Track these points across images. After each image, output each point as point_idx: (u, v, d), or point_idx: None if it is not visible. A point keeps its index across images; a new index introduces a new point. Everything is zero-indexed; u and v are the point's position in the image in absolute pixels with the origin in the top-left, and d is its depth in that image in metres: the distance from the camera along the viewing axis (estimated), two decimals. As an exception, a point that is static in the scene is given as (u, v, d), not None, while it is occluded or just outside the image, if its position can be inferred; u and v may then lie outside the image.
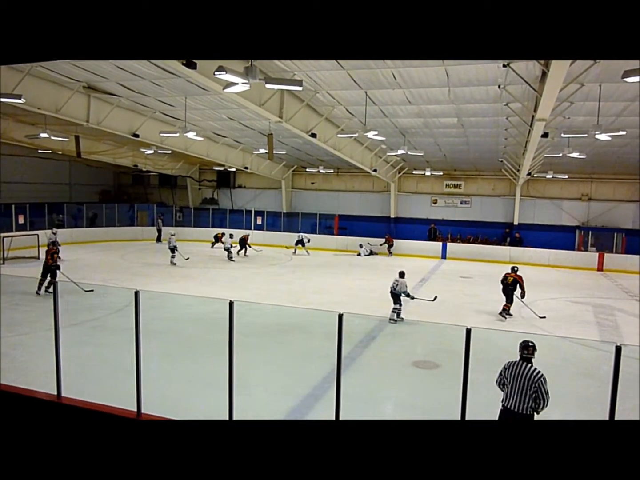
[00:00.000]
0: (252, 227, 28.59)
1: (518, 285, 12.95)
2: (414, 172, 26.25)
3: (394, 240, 25.46)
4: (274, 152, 18.64)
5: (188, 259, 20.70)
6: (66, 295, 5.86)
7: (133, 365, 5.44)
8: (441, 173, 26.00)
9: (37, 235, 20.62)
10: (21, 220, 23.56)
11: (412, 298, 12.17)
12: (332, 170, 28.24)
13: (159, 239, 27.14)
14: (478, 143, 19.64)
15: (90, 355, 9.10)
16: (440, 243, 25.72)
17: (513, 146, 19.13)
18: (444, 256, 25.10)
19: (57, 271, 13.61)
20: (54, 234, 20.22)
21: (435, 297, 12.71)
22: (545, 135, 12.69)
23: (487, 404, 5.76)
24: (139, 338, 4.99)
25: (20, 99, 11.71)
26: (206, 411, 6.56)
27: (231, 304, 4.60)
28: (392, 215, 28.18)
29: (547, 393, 5.01)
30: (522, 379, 5.08)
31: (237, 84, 8.12)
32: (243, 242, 24.03)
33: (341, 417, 4.62)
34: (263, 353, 9.47)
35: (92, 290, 13.33)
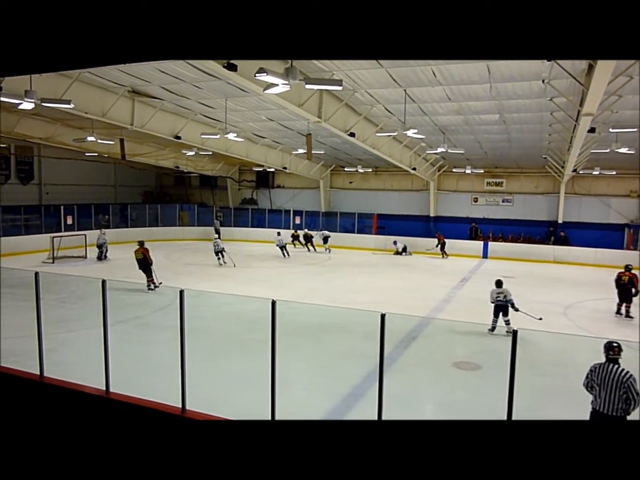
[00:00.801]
0: (291, 227, 28.78)
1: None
2: (453, 170, 25.85)
3: (444, 238, 24.22)
4: (313, 152, 18.71)
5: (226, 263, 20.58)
6: (111, 293, 6.04)
7: (176, 363, 5.55)
8: (482, 171, 25.52)
9: (85, 235, 21.34)
10: (69, 221, 24.46)
11: (517, 310, 10.96)
12: (370, 170, 28.13)
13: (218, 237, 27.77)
14: (521, 139, 19.19)
15: (135, 352, 9.35)
16: (481, 242, 25.24)
17: (557, 142, 18.59)
18: (485, 255, 24.61)
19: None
20: (103, 234, 20.94)
21: (541, 319, 11.50)
22: (592, 130, 12.27)
23: (535, 409, 5.62)
24: (184, 336, 5.09)
25: (69, 104, 12.14)
26: (247, 409, 6.63)
27: (274, 303, 4.64)
28: (432, 214, 27.83)
29: (637, 394, 4.86)
30: (611, 380, 4.95)
31: (277, 85, 8.19)
32: (307, 239, 25.29)
33: (383, 418, 4.59)
34: (303, 352, 9.51)
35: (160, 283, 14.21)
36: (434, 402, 7.94)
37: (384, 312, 4.32)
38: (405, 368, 9.08)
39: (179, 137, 18.86)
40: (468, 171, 24.38)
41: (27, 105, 11.22)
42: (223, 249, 20.05)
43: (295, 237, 25.66)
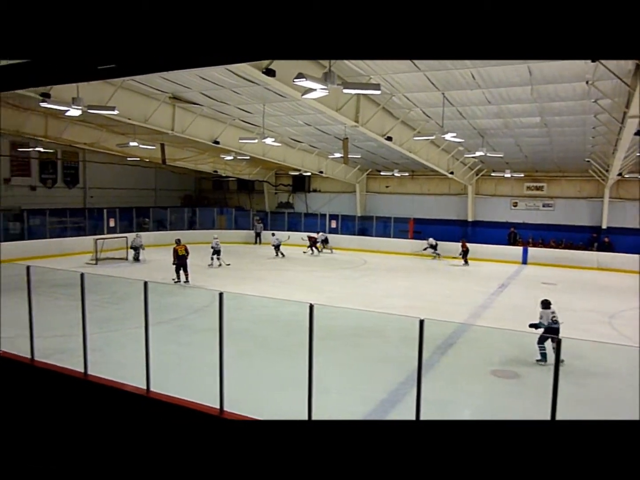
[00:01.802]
0: (327, 231, 28.85)
1: None
2: (492, 174, 25.41)
3: (468, 245, 23.72)
4: (349, 156, 18.72)
5: (229, 264, 20.75)
6: (150, 294, 6.19)
7: (213, 364, 5.64)
8: (522, 175, 24.98)
9: (126, 237, 21.94)
10: (112, 223, 25.19)
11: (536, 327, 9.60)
12: (407, 174, 27.92)
13: (257, 242, 28.13)
14: (563, 143, 18.70)
15: (173, 352, 9.54)
16: (521, 247, 24.68)
17: (602, 145, 18.04)
18: (524, 261, 24.06)
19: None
20: (138, 237, 21.55)
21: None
22: (638, 133, 11.87)
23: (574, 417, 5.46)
24: (223, 338, 5.17)
25: (114, 110, 12.52)
26: (284, 411, 6.68)
27: (311, 307, 4.67)
28: (470, 219, 27.41)
29: None
30: None
31: (315, 89, 8.24)
32: (321, 242, 25.64)
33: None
34: (338, 356, 9.50)
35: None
36: (471, 410, 7.81)
37: (422, 318, 4.28)
38: (442, 375, 8.97)
39: (217, 142, 19.19)
40: (507, 175, 23.90)
41: (74, 112, 11.63)
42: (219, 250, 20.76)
43: (313, 242, 25.76)
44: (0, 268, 8.34)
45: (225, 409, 5.43)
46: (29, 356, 7.16)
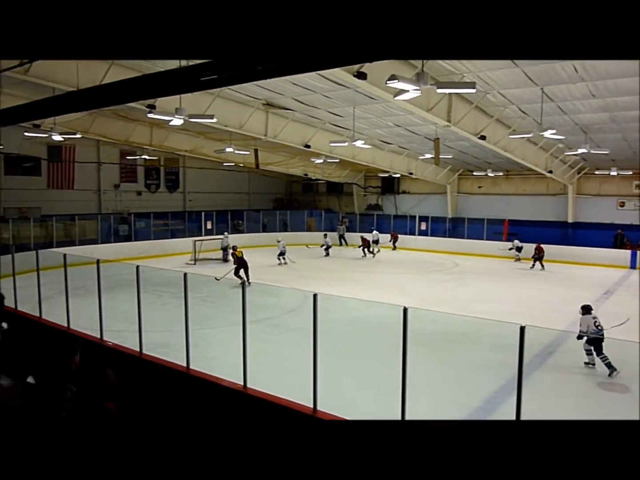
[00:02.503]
0: (416, 233, 28.43)
1: None
2: (596, 172, 23.74)
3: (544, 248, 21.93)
4: (440, 156, 18.35)
5: (294, 262, 21.72)
6: (247, 294, 6.45)
7: (303, 363, 5.75)
8: (630, 172, 23.12)
9: (222, 239, 22.99)
10: (209, 225, 26.53)
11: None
12: (501, 173, 26.82)
13: (342, 243, 28.47)
14: (679, 137, 17.13)
15: (267, 351, 9.85)
16: (629, 251, 22.84)
17: None
18: (633, 266, 22.24)
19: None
20: (226, 237, 22.61)
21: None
22: None
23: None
24: (317, 339, 5.27)
25: (212, 118, 13.19)
26: (375, 414, 6.68)
27: (405, 310, 4.64)
28: (570, 220, 25.80)
29: None
30: None
31: (407, 91, 8.19)
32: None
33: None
34: (429, 361, 9.34)
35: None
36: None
37: (523, 324, 4.11)
38: (541, 384, 8.52)
39: (308, 146, 19.58)
40: (613, 173, 22.21)
41: (177, 121, 12.39)
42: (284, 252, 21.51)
43: (367, 244, 25.35)
44: (99, 268, 9.07)
45: (318, 408, 5.53)
46: (137, 349, 7.71)
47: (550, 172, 21.97)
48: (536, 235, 24.76)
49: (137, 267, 8.05)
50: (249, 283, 16.01)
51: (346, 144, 17.75)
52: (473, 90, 9.43)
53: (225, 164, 25.93)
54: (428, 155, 21.12)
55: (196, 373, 6.80)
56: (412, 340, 5.26)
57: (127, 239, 24.04)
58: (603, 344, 8.59)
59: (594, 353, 8.79)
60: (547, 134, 13.30)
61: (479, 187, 29.02)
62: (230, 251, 22.02)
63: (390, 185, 31.49)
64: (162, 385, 7.11)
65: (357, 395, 7.64)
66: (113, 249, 21.76)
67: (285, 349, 10.02)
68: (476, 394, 7.82)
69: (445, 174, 28.11)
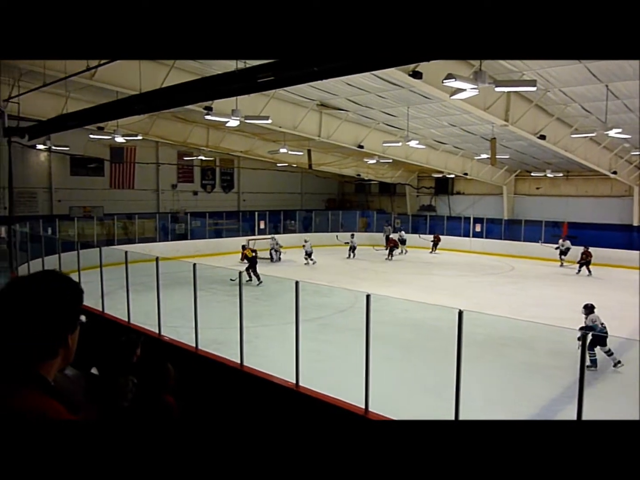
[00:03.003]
0: (471, 235, 27.81)
1: None
2: (665, 173, 22.51)
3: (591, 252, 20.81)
4: (497, 156, 17.88)
5: (315, 262, 21.86)
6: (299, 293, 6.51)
7: (353, 363, 5.74)
8: None
9: (274, 238, 23.29)
10: (262, 225, 26.96)
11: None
12: (560, 174, 25.82)
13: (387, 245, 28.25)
14: None
15: (318, 350, 9.90)
16: (703, 256, 21.47)
17: None
18: None
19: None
20: (273, 239, 22.79)
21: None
22: None
23: None
24: (369, 340, 5.26)
25: (268, 119, 13.38)
26: (426, 417, 6.58)
27: (460, 313, 4.55)
28: (635, 223, 24.52)
29: None
30: None
31: (464, 90, 8.03)
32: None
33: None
34: (483, 365, 9.12)
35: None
36: None
37: (585, 332, 3.94)
38: (602, 394, 8.16)
39: (361, 146, 19.54)
40: (684, 174, 21.00)
41: (233, 122, 12.66)
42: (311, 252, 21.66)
43: (394, 244, 24.69)
44: (157, 265, 9.38)
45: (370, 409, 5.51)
46: (193, 345, 7.93)
47: (615, 172, 20.98)
48: (598, 238, 23.62)
49: (194, 265, 8.27)
50: (260, 282, 16.32)
51: (400, 144, 17.59)
52: (533, 89, 9.14)
53: (278, 164, 26.27)
54: (484, 156, 20.64)
55: (249, 370, 6.92)
56: (466, 343, 5.15)
57: (184, 237, 24.80)
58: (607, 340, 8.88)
59: (588, 347, 8.63)
60: (612, 133, 12.72)
61: (537, 188, 28.05)
62: (275, 251, 22.38)
63: (444, 186, 30.94)
64: (216, 380, 7.28)
65: (408, 398, 7.56)
66: (170, 247, 22.49)
67: (336, 348, 10.04)
68: (532, 401, 7.58)
69: (501, 174, 27.35)
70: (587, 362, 8.67)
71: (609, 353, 9.03)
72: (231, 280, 13.07)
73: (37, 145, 18.38)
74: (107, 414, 4.19)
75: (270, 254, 22.50)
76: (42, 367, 1.25)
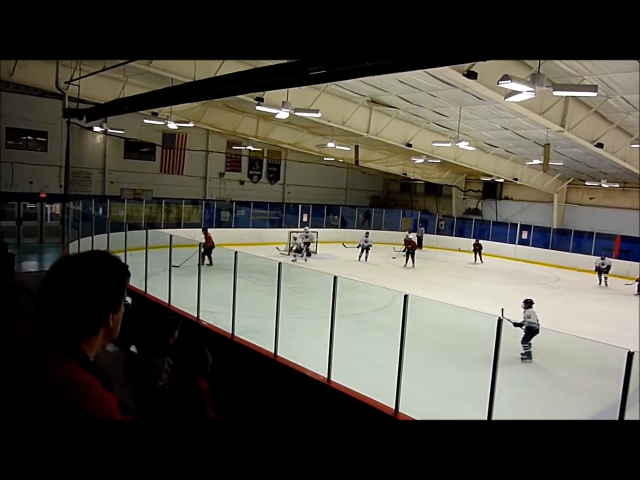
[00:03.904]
0: (516, 242, 27.10)
1: None
2: None
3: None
4: (550, 163, 17.32)
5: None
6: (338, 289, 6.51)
7: (388, 362, 5.69)
8: None
9: (317, 232, 23.37)
10: (305, 218, 27.08)
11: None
12: (617, 185, 24.80)
13: (419, 246, 27.83)
14: None
15: (352, 347, 9.89)
16: None
17: None
18: None
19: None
20: (305, 231, 22.62)
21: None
22: None
23: None
24: (404, 340, 5.21)
25: (317, 113, 13.41)
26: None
27: (500, 321, 4.45)
28: (699, 242, 23.29)
29: None
30: None
31: (520, 92, 7.80)
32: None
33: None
34: (520, 376, 8.91)
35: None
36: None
37: (632, 350, 3.79)
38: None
39: (410, 145, 19.32)
40: None
41: (283, 114, 12.75)
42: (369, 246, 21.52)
43: (412, 247, 22.22)
44: (200, 250, 9.57)
45: (400, 410, 5.48)
46: (229, 331, 8.07)
47: (676, 187, 20.01)
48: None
49: (235, 252, 8.40)
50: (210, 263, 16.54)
51: (449, 144, 17.30)
52: (594, 94, 8.79)
53: (325, 158, 26.29)
54: (536, 161, 20.02)
55: (282, 360, 6.99)
56: (504, 353, 5.04)
57: (228, 225, 25.21)
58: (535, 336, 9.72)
59: (522, 340, 9.78)
60: (676, 144, 12.12)
61: (590, 198, 27.02)
62: (306, 245, 22.13)
63: (492, 190, 30.23)
64: (249, 368, 7.38)
65: (439, 402, 7.45)
66: (214, 233, 22.86)
67: (370, 346, 9.99)
68: (570, 417, 7.32)
69: (553, 181, 26.51)
70: (522, 352, 9.81)
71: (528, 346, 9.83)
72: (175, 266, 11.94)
73: (94, 128, 19.02)
74: (142, 392, 4.32)
75: (300, 247, 22.40)
76: (83, 343, 1.30)
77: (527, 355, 9.81)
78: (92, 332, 1.33)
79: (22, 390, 1.13)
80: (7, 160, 20.40)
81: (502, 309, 8.41)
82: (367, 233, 23.66)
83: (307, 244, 22.31)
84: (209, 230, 19.70)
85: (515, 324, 9.42)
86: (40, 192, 21.23)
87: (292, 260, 20.21)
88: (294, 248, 21.96)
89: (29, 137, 21.50)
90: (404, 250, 21.78)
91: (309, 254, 22.01)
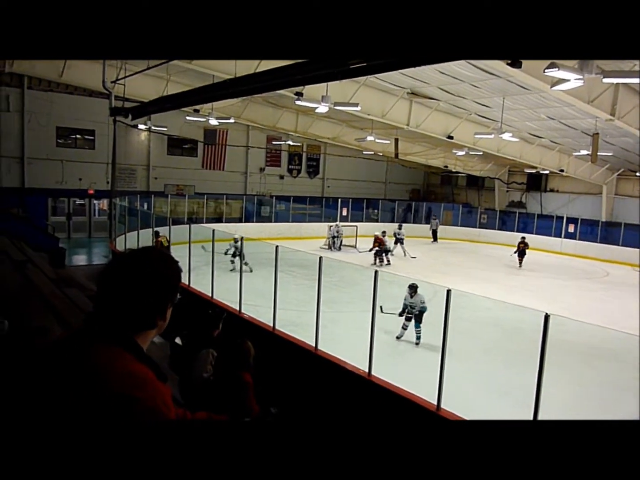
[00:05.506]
0: (562, 235, 26.29)
1: None
2: None
3: None
4: (598, 153, 16.69)
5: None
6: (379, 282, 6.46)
7: (429, 358, 5.65)
8: None
9: (356, 226, 23.31)
10: (344, 212, 27.04)
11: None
12: (671, 175, 23.74)
13: (435, 239, 27.27)
14: None
15: (391, 342, 9.86)
16: None
17: None
18: None
19: None
20: (337, 226, 22.57)
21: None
22: None
23: None
24: (446, 336, 5.15)
25: (357, 106, 13.34)
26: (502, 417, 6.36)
27: (547, 317, 4.34)
28: None
29: None
30: None
31: (568, 80, 7.53)
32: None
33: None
34: (567, 374, 8.66)
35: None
36: None
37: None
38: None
39: (451, 137, 18.97)
40: None
41: (322, 108, 12.75)
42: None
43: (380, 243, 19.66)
44: (242, 245, 9.68)
45: (442, 406, 5.42)
46: (270, 324, 8.16)
47: None
48: None
49: (277, 247, 8.47)
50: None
51: (492, 136, 16.88)
52: (646, 81, 8.42)
53: (364, 152, 26.14)
54: (583, 152, 19.32)
55: (322, 354, 7.02)
56: (550, 350, 4.90)
57: (268, 219, 25.48)
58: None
59: (414, 323, 9.89)
60: None
61: (642, 189, 25.94)
62: (335, 239, 21.98)
63: (536, 182, 29.38)
64: (290, 361, 7.45)
65: (482, 399, 7.33)
66: (255, 228, 23.16)
67: (411, 341, 9.92)
68: (616, 416, 7.08)
69: (601, 173, 25.53)
70: (398, 334, 10.10)
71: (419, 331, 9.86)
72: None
73: (139, 125, 19.51)
74: (186, 383, 4.42)
75: (332, 241, 22.22)
76: (139, 336, 1.34)
77: (419, 339, 9.92)
78: (151, 326, 1.37)
79: (81, 381, 1.18)
80: (57, 158, 21.23)
81: (381, 306, 8.12)
82: (400, 225, 23.02)
83: (336, 237, 22.13)
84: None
85: (400, 314, 10.08)
86: (88, 189, 22.00)
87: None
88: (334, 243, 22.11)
89: (78, 136, 22.26)
90: (370, 250, 19.53)
91: (339, 248, 21.95)
